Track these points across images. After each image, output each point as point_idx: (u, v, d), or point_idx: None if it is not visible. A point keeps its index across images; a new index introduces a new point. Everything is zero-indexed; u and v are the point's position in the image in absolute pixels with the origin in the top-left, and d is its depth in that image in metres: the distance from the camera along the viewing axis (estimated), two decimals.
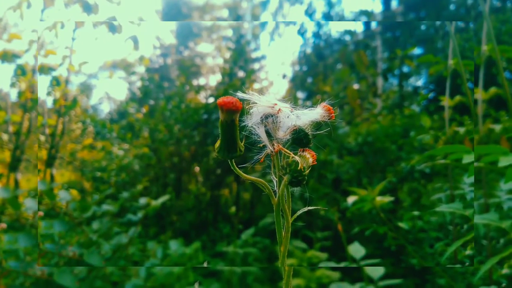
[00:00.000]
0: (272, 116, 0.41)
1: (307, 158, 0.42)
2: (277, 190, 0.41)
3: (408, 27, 8.00)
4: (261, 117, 0.41)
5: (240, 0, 10.35)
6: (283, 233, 0.42)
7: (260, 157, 0.41)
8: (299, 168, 0.39)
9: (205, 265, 0.58)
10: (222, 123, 0.40)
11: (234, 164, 0.42)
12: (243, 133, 0.42)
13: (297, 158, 0.40)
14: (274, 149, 0.40)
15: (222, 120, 0.40)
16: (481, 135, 1.23)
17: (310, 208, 0.44)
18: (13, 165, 2.87)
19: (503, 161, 0.79)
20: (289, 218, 0.41)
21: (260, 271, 1.90)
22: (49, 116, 3.17)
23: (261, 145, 0.41)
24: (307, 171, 0.41)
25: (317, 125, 0.42)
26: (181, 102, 3.32)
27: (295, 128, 0.41)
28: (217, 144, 0.42)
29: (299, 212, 0.42)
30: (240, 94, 0.41)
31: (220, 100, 0.39)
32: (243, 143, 0.42)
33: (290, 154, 0.40)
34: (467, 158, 0.89)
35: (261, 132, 0.40)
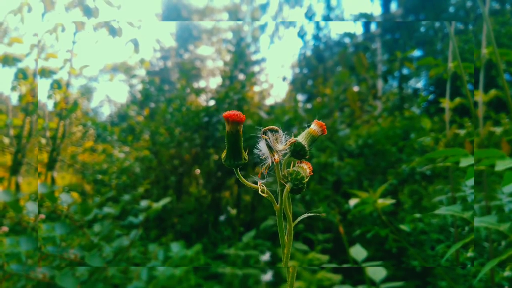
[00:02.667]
0: (272, 131, 0.45)
1: (304, 169, 0.46)
2: (278, 197, 0.45)
3: (407, 29, 8.02)
4: (262, 132, 0.45)
5: (240, 3, 10.38)
6: (286, 236, 0.45)
7: (262, 169, 0.45)
8: (299, 177, 0.44)
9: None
10: (227, 133, 0.44)
11: (239, 172, 0.46)
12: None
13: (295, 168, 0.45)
14: (275, 160, 0.44)
15: (228, 131, 0.44)
16: (482, 137, 1.24)
17: (311, 213, 0.47)
18: (14, 169, 2.87)
19: (500, 165, 0.80)
20: (291, 223, 0.45)
21: (261, 274, 1.89)
22: (50, 119, 3.18)
23: (263, 157, 0.45)
24: (306, 180, 0.45)
25: (312, 139, 0.47)
26: (182, 105, 3.32)
27: (293, 141, 0.45)
28: (224, 153, 0.46)
29: (300, 218, 0.46)
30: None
31: (226, 113, 0.43)
32: (247, 153, 0.46)
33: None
34: (465, 162, 0.89)
35: (262, 145, 0.45)
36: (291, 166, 0.46)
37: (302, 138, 0.46)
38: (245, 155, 0.45)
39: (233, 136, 0.44)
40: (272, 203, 0.45)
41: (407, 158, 2.66)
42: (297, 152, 0.45)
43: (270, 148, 0.45)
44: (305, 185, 0.45)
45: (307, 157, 0.46)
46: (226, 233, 2.65)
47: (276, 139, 0.45)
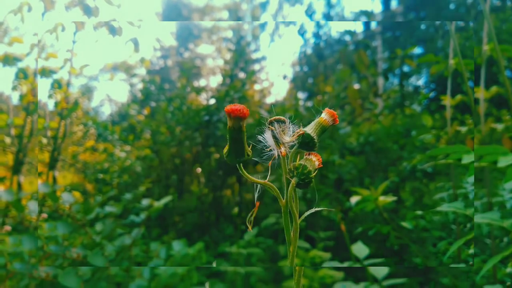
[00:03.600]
0: (279, 121, 0.42)
1: (313, 161, 0.43)
2: (284, 192, 0.43)
3: (408, 27, 8.01)
4: (268, 122, 0.42)
5: (240, 1, 10.36)
6: (292, 233, 0.43)
7: (268, 161, 0.42)
8: (306, 171, 0.41)
9: (213, 264, 0.60)
10: (230, 129, 0.41)
11: (242, 167, 0.43)
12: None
13: (303, 161, 0.42)
14: (281, 153, 0.41)
15: (230, 126, 0.41)
16: (483, 134, 1.24)
17: (317, 209, 0.45)
18: (16, 168, 2.88)
19: (502, 161, 0.80)
20: (297, 219, 0.43)
21: (264, 271, 1.90)
22: (51, 118, 3.18)
23: (269, 149, 0.42)
24: (314, 173, 0.42)
25: (322, 129, 0.44)
26: (182, 103, 3.32)
27: (301, 132, 0.42)
28: (226, 149, 0.43)
29: (306, 214, 0.44)
30: None
31: (228, 107, 0.40)
32: (250, 148, 0.43)
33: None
34: (467, 159, 0.89)
35: (268, 136, 0.42)
36: (298, 159, 0.43)
37: (311, 129, 0.43)
38: (248, 150, 0.42)
39: (236, 132, 0.40)
40: (277, 198, 0.42)
41: (408, 155, 2.66)
42: (305, 144, 0.43)
43: (276, 139, 0.42)
44: (312, 180, 0.42)
45: (316, 149, 0.43)
46: (227, 231, 2.66)
47: (283, 131, 0.42)
